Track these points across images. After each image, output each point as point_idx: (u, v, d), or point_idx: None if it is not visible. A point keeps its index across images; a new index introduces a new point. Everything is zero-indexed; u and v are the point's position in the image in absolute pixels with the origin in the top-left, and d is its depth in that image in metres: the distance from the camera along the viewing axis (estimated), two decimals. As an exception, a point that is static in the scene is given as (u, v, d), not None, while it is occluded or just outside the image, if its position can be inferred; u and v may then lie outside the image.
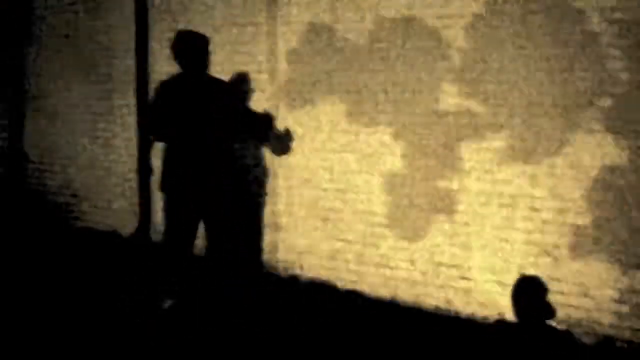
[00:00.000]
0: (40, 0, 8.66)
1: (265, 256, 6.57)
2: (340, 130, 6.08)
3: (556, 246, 5.02)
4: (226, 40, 6.75)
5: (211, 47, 5.71)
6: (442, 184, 5.53)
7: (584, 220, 4.90)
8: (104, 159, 8.05)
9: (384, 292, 5.87)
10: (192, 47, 5.39)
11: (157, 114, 5.37)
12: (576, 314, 4.97)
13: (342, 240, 6.13)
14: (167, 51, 7.30)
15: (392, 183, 5.81)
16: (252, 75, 6.56)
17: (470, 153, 5.37)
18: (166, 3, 7.34)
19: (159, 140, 5.57)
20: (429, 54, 5.55)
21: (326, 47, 6.14)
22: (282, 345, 4.90)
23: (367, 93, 5.91)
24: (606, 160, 4.79)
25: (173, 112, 5.33)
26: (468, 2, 5.34)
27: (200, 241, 5.70)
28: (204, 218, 5.54)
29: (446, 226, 5.52)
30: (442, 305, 5.57)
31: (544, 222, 5.06)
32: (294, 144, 6.29)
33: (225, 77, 6.35)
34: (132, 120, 7.70)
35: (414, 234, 5.70)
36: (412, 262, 5.72)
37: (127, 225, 7.75)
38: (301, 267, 6.37)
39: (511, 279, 4.77)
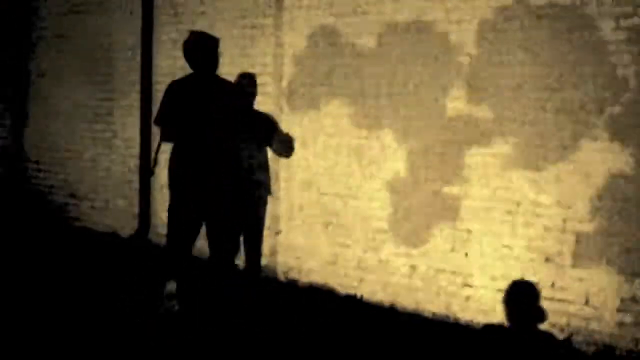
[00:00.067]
0: (41, 0, 8.67)
1: (265, 259, 6.53)
2: (343, 133, 6.07)
3: (559, 253, 5.00)
4: (232, 42, 6.75)
5: (221, 49, 5.71)
6: (445, 189, 5.51)
7: (588, 227, 4.89)
8: (104, 159, 8.04)
9: (383, 298, 5.84)
10: (202, 48, 5.41)
11: (169, 114, 5.38)
12: (576, 322, 4.94)
13: (343, 244, 6.10)
14: (170, 52, 7.34)
15: (394, 188, 5.79)
16: (257, 78, 6.55)
17: (474, 159, 5.36)
18: (171, 5, 7.35)
19: (168, 140, 5.56)
20: (435, 59, 5.55)
21: (331, 51, 6.14)
22: (280, 348, 4.87)
23: (371, 97, 5.90)
24: (612, 168, 4.78)
25: (183, 112, 5.34)
26: (477, 8, 5.35)
27: (200, 242, 5.67)
28: (205, 218, 5.52)
29: (448, 232, 5.50)
30: (442, 311, 5.54)
31: (547, 229, 5.05)
32: (296, 147, 6.27)
33: (231, 78, 6.35)
34: (132, 120, 7.69)
35: (415, 240, 5.68)
36: (413, 267, 5.69)
37: (127, 226, 7.73)
38: (300, 271, 6.34)
39: (512, 285, 4.75)
